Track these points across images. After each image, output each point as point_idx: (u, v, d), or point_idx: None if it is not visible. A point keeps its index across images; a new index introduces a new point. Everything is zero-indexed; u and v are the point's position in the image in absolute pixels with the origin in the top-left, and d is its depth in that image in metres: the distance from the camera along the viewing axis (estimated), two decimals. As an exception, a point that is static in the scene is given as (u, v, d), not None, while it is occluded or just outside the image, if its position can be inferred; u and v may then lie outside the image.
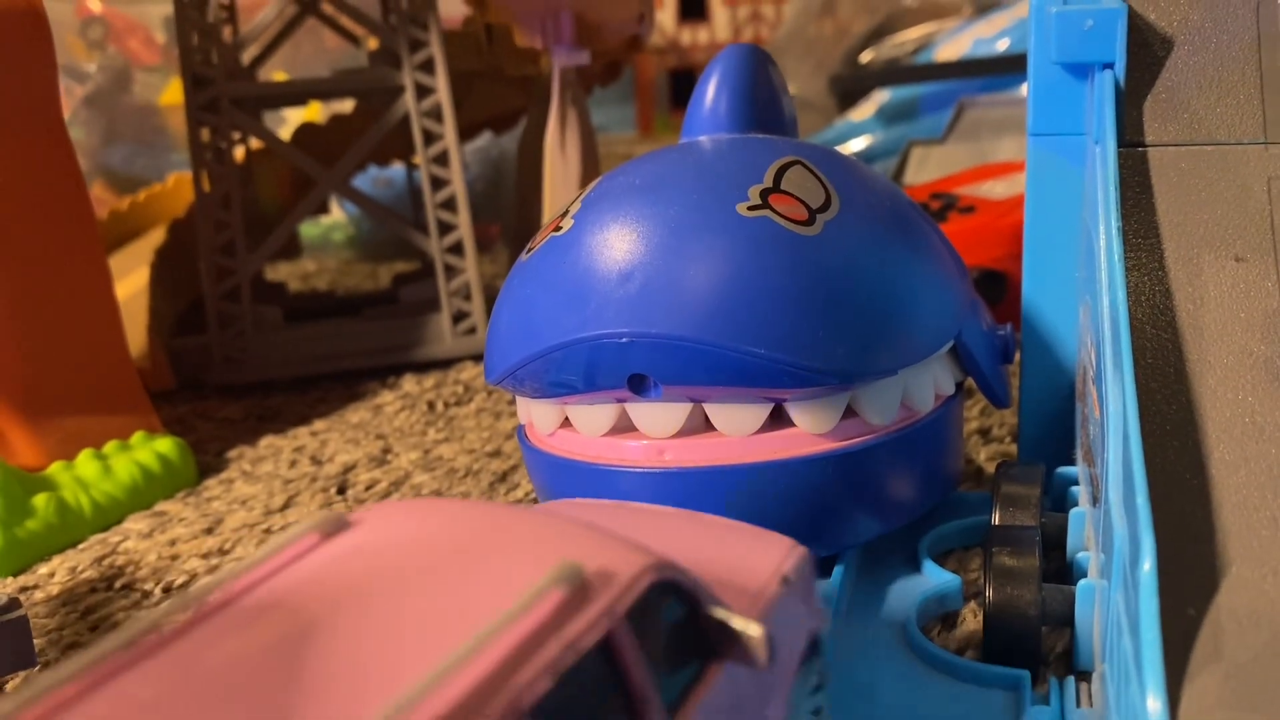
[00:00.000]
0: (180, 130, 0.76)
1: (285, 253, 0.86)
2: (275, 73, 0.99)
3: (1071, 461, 0.33)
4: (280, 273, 0.84)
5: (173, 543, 0.38)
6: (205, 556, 0.37)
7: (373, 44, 0.63)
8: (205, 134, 0.56)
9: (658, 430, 0.28)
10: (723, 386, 0.27)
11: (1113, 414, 0.22)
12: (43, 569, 0.37)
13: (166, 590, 0.35)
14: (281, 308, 0.58)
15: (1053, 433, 0.34)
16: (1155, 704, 0.17)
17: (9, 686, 0.29)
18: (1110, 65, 0.30)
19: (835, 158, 0.31)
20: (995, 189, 0.59)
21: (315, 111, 0.95)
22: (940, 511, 0.34)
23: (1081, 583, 0.26)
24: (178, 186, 0.72)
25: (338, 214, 0.95)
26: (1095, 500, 0.27)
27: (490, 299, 0.55)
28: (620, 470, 0.29)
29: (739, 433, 0.28)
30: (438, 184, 0.58)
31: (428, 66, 0.57)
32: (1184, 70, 0.29)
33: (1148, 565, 0.19)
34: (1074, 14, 0.30)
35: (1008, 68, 0.84)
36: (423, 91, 0.57)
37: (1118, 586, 0.21)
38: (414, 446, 0.46)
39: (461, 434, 0.48)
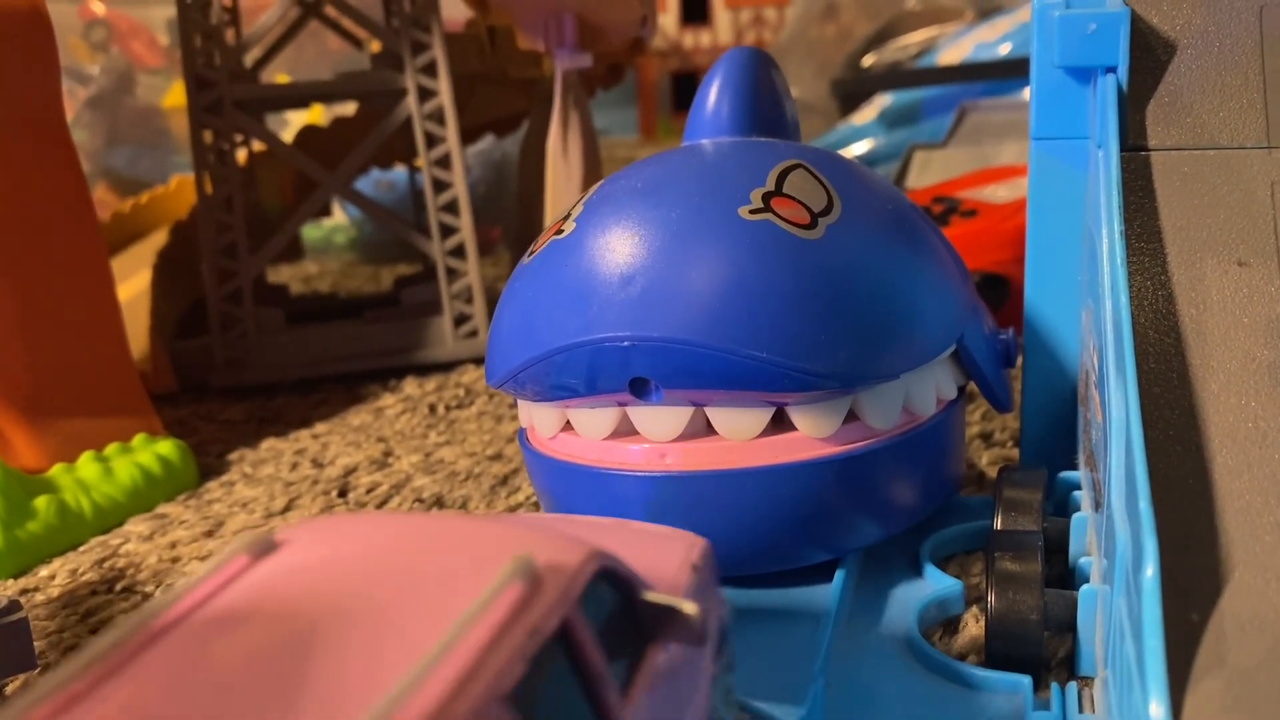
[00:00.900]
0: (183, 132, 0.76)
1: (287, 255, 0.86)
2: (278, 75, 1.00)
3: (1074, 466, 0.33)
4: (282, 275, 0.84)
5: (173, 545, 0.38)
6: (206, 559, 0.37)
7: (375, 47, 0.63)
8: (208, 136, 0.56)
9: (659, 434, 0.28)
10: (724, 390, 0.27)
11: (1115, 419, 0.22)
12: (43, 571, 0.37)
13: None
14: (283, 310, 0.58)
15: (1055, 437, 0.34)
16: (1158, 710, 0.17)
17: (9, 689, 0.29)
18: (1113, 69, 0.30)
19: (837, 161, 0.31)
20: (997, 193, 0.59)
21: (318, 114, 0.95)
22: (942, 516, 0.33)
23: (1084, 588, 0.26)
24: (180, 189, 0.72)
25: (340, 216, 0.95)
26: (1098, 505, 0.27)
27: (492, 302, 0.55)
28: (621, 474, 0.29)
29: (740, 437, 0.28)
30: (440, 187, 0.58)
31: (430, 69, 0.57)
32: (1187, 74, 0.29)
33: (1150, 570, 0.19)
34: (1077, 18, 0.30)
35: (1010, 72, 0.84)
36: (425, 94, 0.57)
37: (1120, 592, 0.21)
38: (415, 449, 0.46)
39: (463, 437, 0.47)
